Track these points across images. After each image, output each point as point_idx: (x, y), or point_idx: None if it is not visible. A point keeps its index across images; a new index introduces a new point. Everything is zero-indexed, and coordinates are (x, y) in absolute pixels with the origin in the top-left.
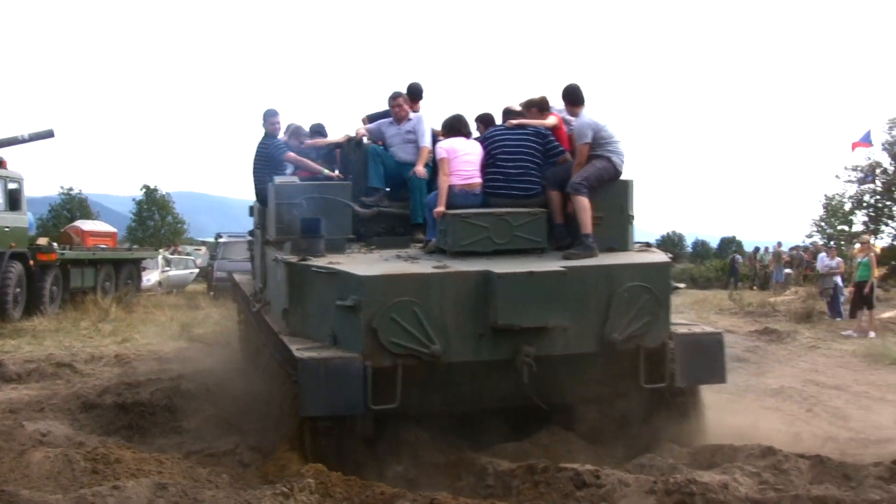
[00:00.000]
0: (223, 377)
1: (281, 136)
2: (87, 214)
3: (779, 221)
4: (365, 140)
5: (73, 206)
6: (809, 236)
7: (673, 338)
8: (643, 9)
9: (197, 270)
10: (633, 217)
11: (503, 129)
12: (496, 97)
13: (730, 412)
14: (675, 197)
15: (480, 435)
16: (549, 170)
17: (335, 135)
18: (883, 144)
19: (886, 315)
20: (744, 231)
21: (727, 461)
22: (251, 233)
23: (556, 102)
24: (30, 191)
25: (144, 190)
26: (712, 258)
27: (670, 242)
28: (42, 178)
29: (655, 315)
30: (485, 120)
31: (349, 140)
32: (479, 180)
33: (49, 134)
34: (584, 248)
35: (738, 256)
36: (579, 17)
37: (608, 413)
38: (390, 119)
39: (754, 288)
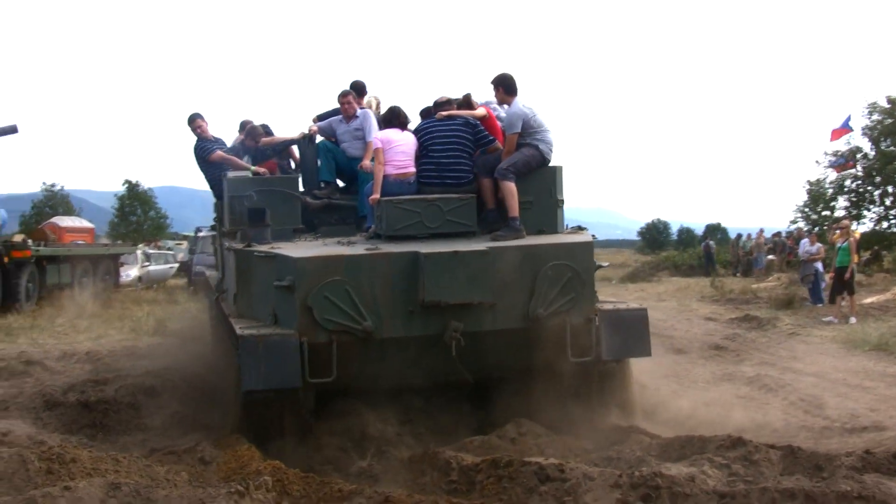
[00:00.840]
0: (192, 372)
1: (236, 135)
2: (70, 210)
3: (764, 207)
4: (318, 137)
5: (55, 203)
6: (794, 222)
7: (598, 314)
8: None
9: (177, 265)
10: (562, 201)
11: (434, 120)
12: (451, 90)
13: (704, 401)
14: (661, 185)
15: (448, 429)
16: (480, 158)
17: (285, 133)
18: (863, 129)
19: (868, 300)
20: (729, 218)
21: (697, 453)
22: (213, 227)
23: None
24: (13, 188)
25: (126, 185)
26: (697, 245)
27: (655, 230)
28: (25, 175)
29: (579, 292)
30: (427, 113)
31: (304, 137)
32: (412, 170)
33: (13, 129)
34: (511, 231)
35: (711, 242)
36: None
37: (541, 387)
38: (340, 117)
39: (737, 275)
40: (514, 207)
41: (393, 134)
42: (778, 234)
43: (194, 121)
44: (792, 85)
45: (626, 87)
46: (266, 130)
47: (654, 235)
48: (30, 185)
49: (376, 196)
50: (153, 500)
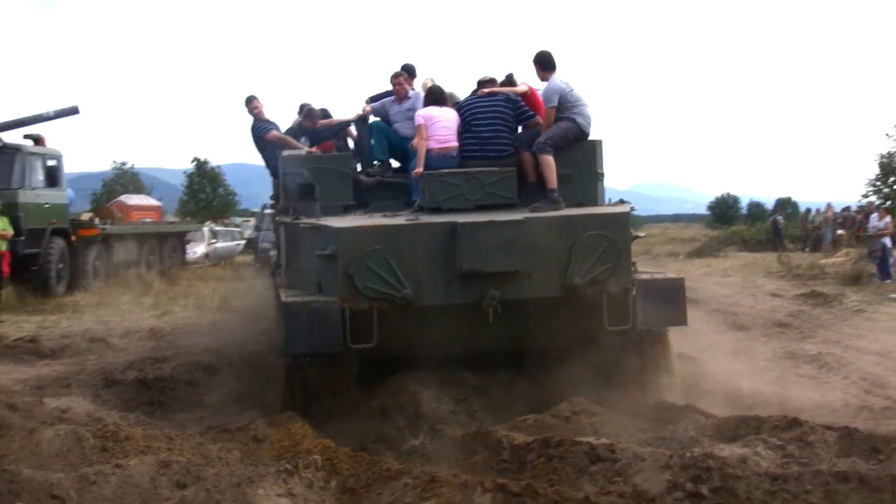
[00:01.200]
0: (252, 349)
1: (295, 117)
2: (140, 188)
3: (837, 181)
4: (371, 118)
5: (125, 181)
6: (865, 196)
7: (635, 283)
8: None
9: (244, 242)
10: (602, 174)
11: (476, 97)
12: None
13: (763, 380)
14: (732, 159)
15: (503, 407)
16: (522, 133)
17: (341, 116)
18: None
19: None
20: (801, 191)
21: (751, 433)
22: (272, 205)
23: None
24: (85, 166)
25: (195, 163)
26: (766, 220)
27: (724, 205)
28: (97, 154)
29: (616, 262)
30: (475, 94)
31: (358, 118)
32: (454, 144)
33: (74, 111)
34: (549, 202)
35: (779, 217)
36: None
37: (590, 363)
38: (393, 98)
39: (806, 250)
40: (552, 180)
41: (434, 110)
42: (847, 208)
43: (251, 102)
44: (865, 56)
45: (697, 61)
46: (324, 113)
47: (724, 210)
48: (101, 163)
49: (419, 170)
50: (203, 478)
